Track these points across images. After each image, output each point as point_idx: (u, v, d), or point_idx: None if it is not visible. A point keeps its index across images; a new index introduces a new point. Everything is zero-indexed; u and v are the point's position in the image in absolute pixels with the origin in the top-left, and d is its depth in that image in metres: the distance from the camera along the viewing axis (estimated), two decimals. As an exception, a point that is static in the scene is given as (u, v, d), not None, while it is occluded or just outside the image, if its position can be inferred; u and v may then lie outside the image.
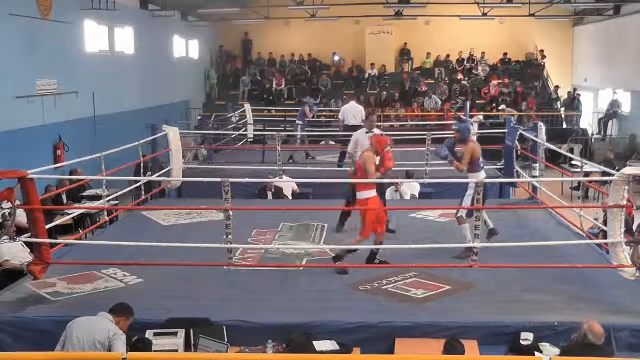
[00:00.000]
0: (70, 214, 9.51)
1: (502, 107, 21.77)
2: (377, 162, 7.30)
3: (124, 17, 16.60)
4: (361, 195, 7.18)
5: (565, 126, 21.74)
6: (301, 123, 15.01)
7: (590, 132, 20.54)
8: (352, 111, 12.88)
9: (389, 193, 10.92)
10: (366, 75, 25.02)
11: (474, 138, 8.89)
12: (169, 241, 7.45)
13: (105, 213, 9.97)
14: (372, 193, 7.15)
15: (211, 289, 6.68)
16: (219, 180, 6.71)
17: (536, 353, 5.36)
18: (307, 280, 6.90)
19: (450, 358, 5.03)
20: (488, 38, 24.95)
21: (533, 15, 19.86)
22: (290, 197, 11.06)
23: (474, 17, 21.50)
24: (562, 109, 22.58)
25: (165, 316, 5.83)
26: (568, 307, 6.12)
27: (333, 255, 7.30)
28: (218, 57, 26.44)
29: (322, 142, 16.53)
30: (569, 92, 22.96)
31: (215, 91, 25.03)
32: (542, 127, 10.98)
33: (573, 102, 22.13)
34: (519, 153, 11.30)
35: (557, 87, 23.59)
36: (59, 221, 8.74)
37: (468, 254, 6.87)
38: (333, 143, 15.25)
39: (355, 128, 12.48)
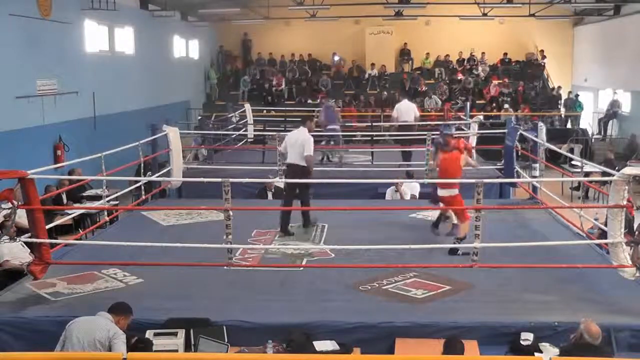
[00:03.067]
0: (70, 214, 9.51)
1: (506, 106, 21.75)
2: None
3: (124, 17, 16.61)
4: (451, 192, 7.85)
5: (569, 126, 21.78)
6: (337, 127, 14.21)
7: (590, 132, 20.54)
8: (407, 109, 13.41)
9: (389, 193, 10.94)
10: (366, 75, 25.03)
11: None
12: (169, 241, 7.45)
13: (105, 213, 9.97)
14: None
15: (211, 289, 6.68)
16: (219, 180, 6.71)
17: (536, 353, 5.36)
18: (307, 280, 6.90)
19: (450, 358, 5.03)
20: (488, 38, 24.95)
21: (533, 15, 19.87)
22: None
23: (474, 17, 21.50)
24: (563, 109, 22.59)
25: (165, 316, 5.83)
26: (568, 307, 6.13)
27: (450, 248, 7.66)
28: (218, 57, 26.43)
29: (322, 142, 16.51)
30: (569, 92, 23.00)
31: (215, 91, 25.03)
32: (542, 127, 10.98)
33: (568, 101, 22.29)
34: (519, 153, 11.30)
35: (559, 87, 23.58)
36: (59, 221, 8.74)
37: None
38: (333, 143, 15.23)
39: (411, 126, 13.20)
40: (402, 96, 15.51)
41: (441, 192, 7.99)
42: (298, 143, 8.70)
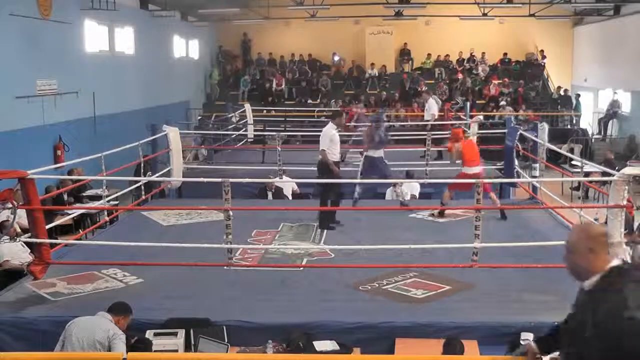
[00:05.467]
0: (70, 214, 9.52)
1: (502, 103, 21.72)
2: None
3: (124, 17, 16.61)
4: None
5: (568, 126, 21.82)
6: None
7: (590, 132, 20.54)
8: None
9: (389, 193, 10.94)
10: (366, 75, 25.04)
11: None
12: (169, 241, 7.46)
13: (105, 213, 9.97)
14: None
15: (211, 289, 6.67)
16: (219, 180, 6.71)
17: (536, 353, 5.35)
18: (307, 280, 6.90)
19: (450, 358, 5.03)
20: (488, 38, 24.95)
21: (533, 15, 19.86)
22: (290, 197, 11.06)
23: (474, 17, 21.50)
24: (563, 109, 22.62)
25: (165, 316, 5.82)
26: (568, 307, 6.11)
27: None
28: (218, 57, 26.43)
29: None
30: (565, 90, 23.08)
31: (217, 91, 25.01)
32: (544, 128, 10.99)
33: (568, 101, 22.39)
34: (520, 153, 11.30)
35: (559, 88, 23.60)
36: (59, 221, 8.74)
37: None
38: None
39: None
40: (427, 94, 16.48)
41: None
42: (320, 138, 8.97)
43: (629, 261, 6.16)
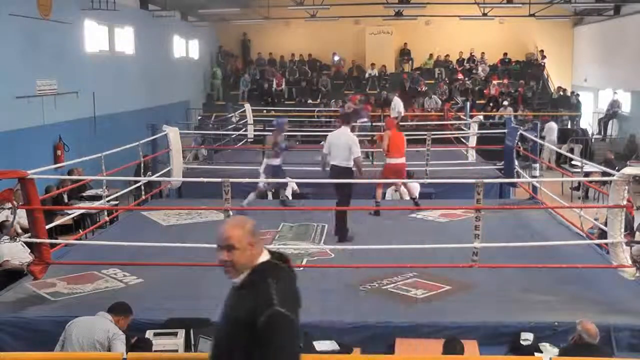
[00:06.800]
0: (70, 214, 9.52)
1: (510, 109, 21.69)
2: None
3: (124, 17, 16.61)
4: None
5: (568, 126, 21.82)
6: (366, 120, 14.77)
7: (590, 132, 20.54)
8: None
9: (388, 193, 10.93)
10: (366, 75, 25.03)
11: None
12: (169, 241, 7.45)
13: (105, 213, 9.97)
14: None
15: (211, 289, 6.64)
16: (219, 180, 6.71)
17: (536, 353, 5.36)
18: (307, 280, 6.88)
19: (450, 358, 5.03)
20: (488, 38, 24.95)
21: (533, 15, 19.86)
22: (290, 197, 11.06)
23: (474, 17, 21.51)
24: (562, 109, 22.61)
25: (165, 316, 5.83)
26: (568, 307, 6.12)
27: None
28: (218, 57, 26.42)
29: (322, 142, 16.50)
30: (564, 90, 23.09)
31: (220, 90, 24.98)
32: (554, 128, 11.00)
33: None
34: (520, 153, 11.30)
35: (559, 88, 23.59)
36: (59, 221, 8.74)
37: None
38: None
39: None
40: (393, 94, 17.26)
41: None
42: (342, 143, 8.36)
43: (629, 261, 6.16)
